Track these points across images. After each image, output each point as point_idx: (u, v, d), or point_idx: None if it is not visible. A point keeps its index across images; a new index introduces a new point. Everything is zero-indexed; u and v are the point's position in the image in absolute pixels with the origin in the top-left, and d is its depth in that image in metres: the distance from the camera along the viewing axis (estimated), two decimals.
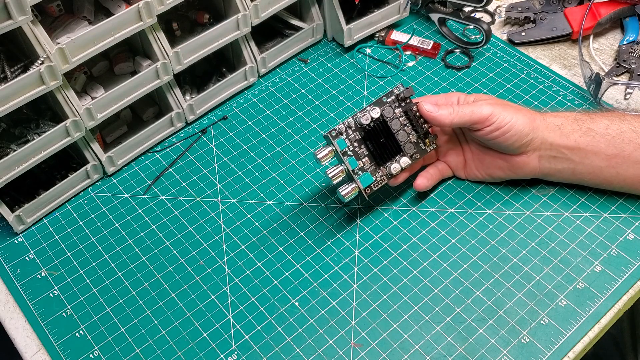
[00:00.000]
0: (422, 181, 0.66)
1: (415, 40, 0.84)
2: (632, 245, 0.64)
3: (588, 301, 0.60)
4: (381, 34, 0.86)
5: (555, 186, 0.68)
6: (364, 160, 0.62)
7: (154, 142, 0.76)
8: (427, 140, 0.65)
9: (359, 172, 0.62)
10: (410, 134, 0.64)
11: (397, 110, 0.63)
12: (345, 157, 0.61)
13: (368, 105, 0.62)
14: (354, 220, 0.68)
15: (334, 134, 0.60)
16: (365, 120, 0.61)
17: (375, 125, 0.62)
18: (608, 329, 0.60)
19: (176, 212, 0.70)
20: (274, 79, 0.83)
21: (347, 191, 0.60)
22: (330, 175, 0.60)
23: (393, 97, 0.63)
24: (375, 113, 0.61)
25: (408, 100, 0.64)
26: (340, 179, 0.61)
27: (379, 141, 0.63)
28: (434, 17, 0.86)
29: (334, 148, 0.60)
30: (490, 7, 0.88)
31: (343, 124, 0.61)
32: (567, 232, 0.65)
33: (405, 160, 0.63)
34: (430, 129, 0.65)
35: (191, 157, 0.75)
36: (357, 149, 0.62)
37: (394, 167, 0.63)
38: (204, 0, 0.78)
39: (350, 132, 0.61)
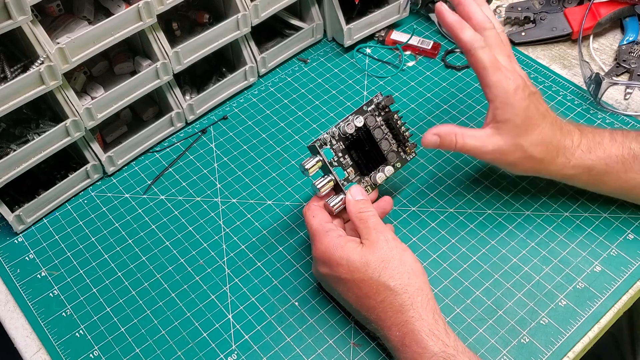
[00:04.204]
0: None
1: (415, 40, 0.84)
2: (632, 245, 0.64)
3: (588, 301, 0.60)
4: (381, 34, 0.86)
5: (555, 186, 0.68)
6: (348, 170, 0.61)
7: (154, 142, 0.76)
8: (407, 149, 0.65)
9: (345, 182, 0.61)
10: (391, 142, 0.64)
11: (378, 119, 0.63)
12: (332, 168, 0.60)
13: (350, 114, 0.61)
14: None
15: (319, 144, 0.60)
16: (350, 129, 0.60)
17: (359, 135, 0.62)
18: (608, 329, 0.60)
19: (176, 212, 0.70)
20: (274, 79, 0.83)
21: (335, 202, 0.59)
22: (319, 187, 0.59)
23: (373, 106, 0.63)
24: (359, 122, 0.61)
25: (387, 109, 0.63)
26: (328, 190, 0.60)
27: (363, 150, 0.62)
28: (434, 17, 0.86)
29: (321, 158, 0.60)
30: (490, 7, 0.88)
31: (327, 133, 0.60)
32: (567, 232, 0.65)
33: (389, 169, 0.63)
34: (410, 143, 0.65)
35: (191, 157, 0.75)
36: (341, 159, 0.61)
37: (379, 177, 0.62)
38: (204, 0, 0.78)
39: (334, 142, 0.61)
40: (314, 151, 0.60)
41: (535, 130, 0.58)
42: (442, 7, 0.59)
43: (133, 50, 0.73)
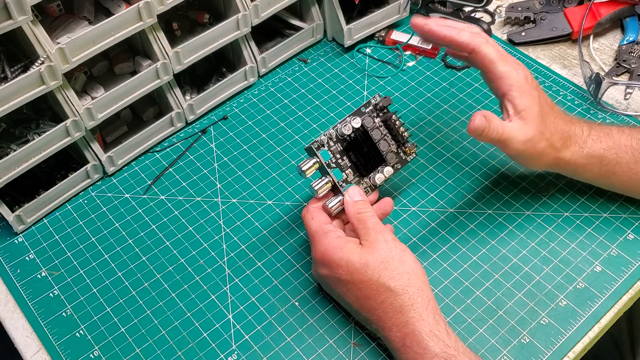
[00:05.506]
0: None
1: (415, 40, 0.84)
2: (632, 245, 0.64)
3: (588, 301, 0.60)
4: (381, 34, 0.86)
5: (555, 186, 0.69)
6: (347, 172, 0.61)
7: (154, 142, 0.76)
8: (406, 149, 0.65)
9: (344, 184, 0.61)
10: (390, 143, 0.63)
11: (376, 120, 0.63)
12: (330, 169, 0.60)
13: (347, 115, 0.61)
14: None
15: (316, 146, 0.60)
16: (347, 130, 0.60)
17: (356, 136, 0.62)
18: (608, 329, 0.60)
19: (176, 212, 0.70)
20: (274, 79, 0.83)
21: (333, 203, 0.59)
22: (316, 188, 0.59)
23: (371, 107, 0.63)
24: (356, 123, 0.61)
25: (386, 110, 0.63)
26: (326, 191, 0.60)
27: (362, 151, 0.62)
28: (434, 17, 0.86)
29: (318, 160, 0.59)
30: (490, 7, 0.88)
31: (324, 135, 0.60)
32: (567, 232, 0.65)
33: (388, 170, 0.63)
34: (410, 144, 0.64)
35: (191, 157, 0.75)
36: (339, 160, 0.61)
37: (378, 178, 0.62)
38: (204, 0, 0.78)
39: (331, 143, 0.61)
40: (311, 153, 0.60)
41: (548, 119, 0.58)
42: (421, 20, 0.57)
43: (133, 50, 0.73)
